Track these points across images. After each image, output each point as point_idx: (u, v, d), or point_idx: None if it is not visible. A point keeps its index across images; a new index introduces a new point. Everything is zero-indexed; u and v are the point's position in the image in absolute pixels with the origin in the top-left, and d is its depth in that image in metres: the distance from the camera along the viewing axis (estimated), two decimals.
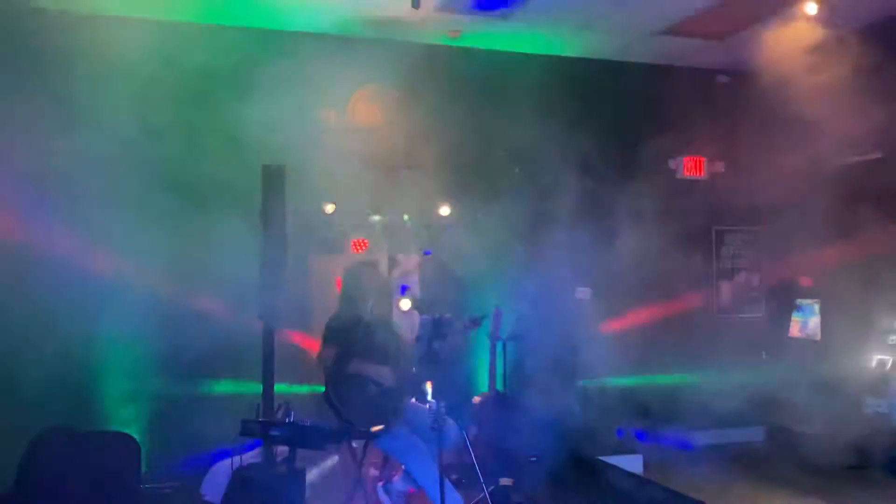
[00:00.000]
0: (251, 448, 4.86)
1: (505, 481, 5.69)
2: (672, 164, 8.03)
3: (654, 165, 7.60)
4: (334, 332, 4.94)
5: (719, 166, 8.15)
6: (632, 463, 7.07)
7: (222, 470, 4.66)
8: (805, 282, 7.90)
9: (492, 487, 5.41)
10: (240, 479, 4.50)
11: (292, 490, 4.49)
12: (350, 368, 4.80)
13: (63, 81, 5.70)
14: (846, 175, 7.20)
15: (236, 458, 4.56)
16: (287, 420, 4.49)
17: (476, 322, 5.28)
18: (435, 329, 4.57)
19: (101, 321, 5.49)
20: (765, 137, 7.17)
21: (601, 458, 6.98)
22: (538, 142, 6.95)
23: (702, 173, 8.06)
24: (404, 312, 6.02)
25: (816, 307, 7.69)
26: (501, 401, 6.13)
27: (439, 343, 4.61)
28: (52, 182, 5.61)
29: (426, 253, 6.38)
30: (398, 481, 4.96)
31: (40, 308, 5.46)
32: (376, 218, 6.71)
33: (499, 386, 6.23)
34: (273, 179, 4.85)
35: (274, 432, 4.45)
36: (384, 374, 4.83)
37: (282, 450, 4.60)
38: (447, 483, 4.56)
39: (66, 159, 5.48)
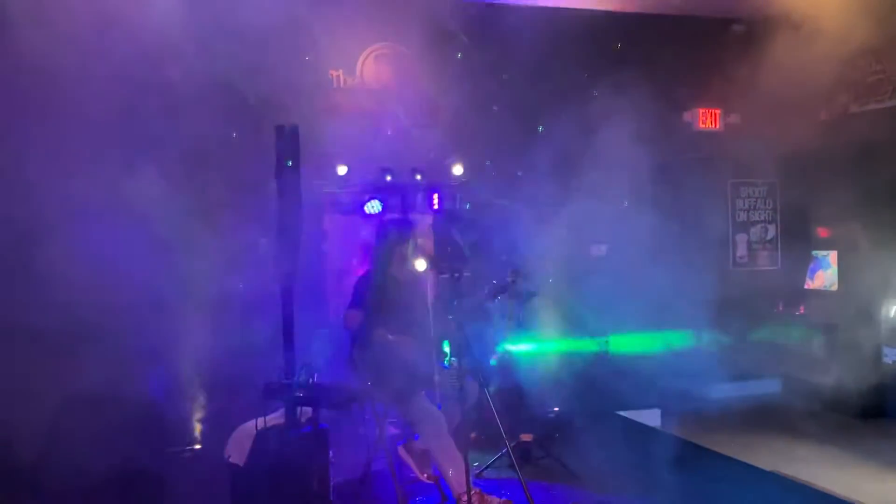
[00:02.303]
0: (274, 410, 4.87)
1: (525, 437, 5.72)
2: (687, 116, 7.92)
3: (670, 118, 7.50)
4: (362, 295, 4.89)
5: (735, 118, 8.03)
6: (650, 417, 7.10)
7: (246, 432, 4.67)
8: (822, 233, 7.83)
9: (513, 443, 5.45)
10: (263, 440, 4.52)
11: (316, 450, 4.52)
12: (375, 336, 4.80)
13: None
14: (865, 123, 7.09)
15: (260, 420, 4.57)
16: (309, 381, 4.50)
17: (503, 288, 5.22)
18: (454, 288, 4.54)
19: (119, 284, 5.49)
20: (781, 87, 7.04)
21: (619, 412, 7.03)
22: (552, 96, 6.87)
23: (717, 125, 7.95)
24: (420, 273, 6.00)
25: (833, 258, 7.64)
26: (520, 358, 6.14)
27: (459, 301, 4.60)
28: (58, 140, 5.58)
29: None
30: (418, 440, 4.98)
31: (53, 276, 5.47)
32: (389, 178, 6.65)
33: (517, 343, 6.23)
34: (287, 140, 4.78)
35: (297, 393, 4.47)
36: (407, 345, 4.81)
37: (305, 410, 4.61)
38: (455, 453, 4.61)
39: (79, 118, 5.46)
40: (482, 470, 5.46)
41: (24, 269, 5.31)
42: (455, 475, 4.56)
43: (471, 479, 4.39)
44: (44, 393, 5.03)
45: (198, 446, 6.02)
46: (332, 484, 4.63)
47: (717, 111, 7.93)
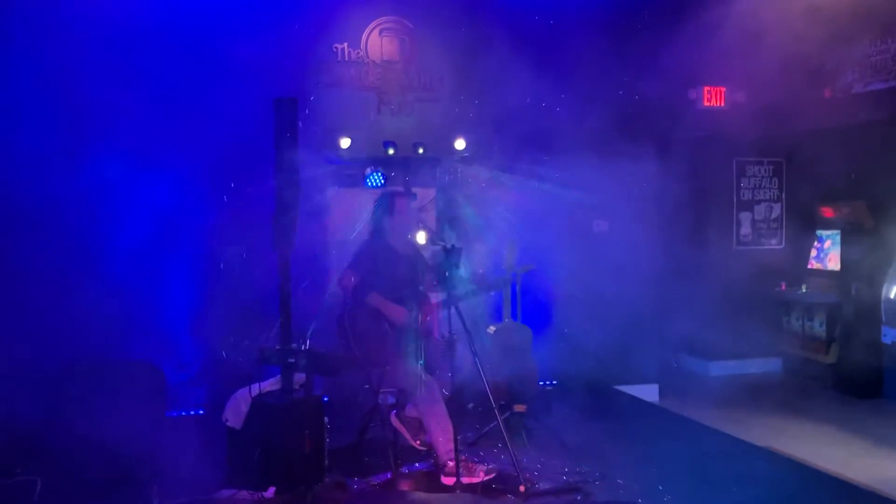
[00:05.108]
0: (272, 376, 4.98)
1: (519, 408, 5.79)
2: (692, 94, 7.88)
3: (674, 95, 7.47)
4: (360, 260, 4.98)
5: (740, 96, 7.98)
6: (648, 392, 7.17)
7: (243, 397, 4.79)
8: (826, 212, 7.82)
9: (506, 414, 5.53)
10: (259, 405, 4.64)
11: (310, 417, 4.62)
12: (368, 300, 4.90)
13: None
14: (870, 102, 7.03)
15: (255, 386, 4.68)
16: (303, 347, 4.61)
17: (496, 286, 5.35)
18: (447, 258, 4.61)
19: (120, 254, 5.61)
20: (788, 65, 6.99)
21: (616, 387, 7.10)
22: (555, 72, 6.86)
23: (722, 103, 7.90)
24: (421, 246, 6.07)
25: (837, 238, 7.63)
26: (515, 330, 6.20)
27: (451, 273, 4.66)
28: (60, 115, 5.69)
29: None
30: (411, 408, 5.06)
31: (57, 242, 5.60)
32: (391, 152, 6.71)
33: (513, 316, 6.30)
34: (285, 113, 4.84)
35: (291, 360, 4.57)
36: (398, 315, 4.90)
37: (300, 377, 4.72)
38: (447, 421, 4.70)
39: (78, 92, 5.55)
40: (476, 439, 5.54)
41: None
42: (444, 442, 4.65)
43: (458, 446, 4.47)
44: (44, 359, 5.16)
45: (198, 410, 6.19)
46: (327, 449, 4.74)
47: (723, 89, 7.88)
